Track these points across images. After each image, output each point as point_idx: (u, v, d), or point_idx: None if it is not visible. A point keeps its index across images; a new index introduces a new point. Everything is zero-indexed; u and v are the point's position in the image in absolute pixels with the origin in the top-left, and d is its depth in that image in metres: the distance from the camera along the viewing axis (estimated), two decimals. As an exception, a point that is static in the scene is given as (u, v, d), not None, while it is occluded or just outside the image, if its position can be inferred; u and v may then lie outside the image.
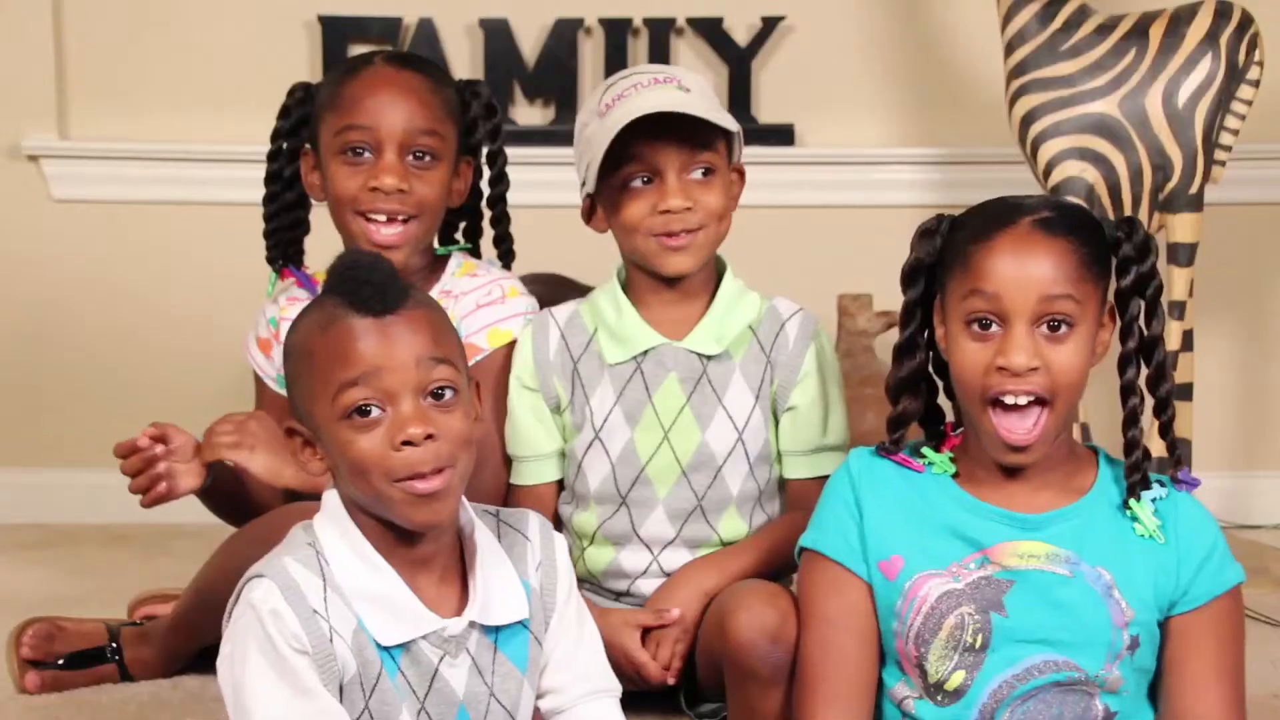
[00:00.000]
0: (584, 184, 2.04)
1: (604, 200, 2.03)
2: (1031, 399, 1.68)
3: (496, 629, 1.64)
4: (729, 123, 1.99)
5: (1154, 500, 1.75)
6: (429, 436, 1.55)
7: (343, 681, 1.59)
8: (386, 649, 1.59)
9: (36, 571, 2.70)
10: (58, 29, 3.25)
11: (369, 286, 1.58)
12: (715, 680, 1.94)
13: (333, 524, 1.62)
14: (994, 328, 1.68)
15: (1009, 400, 1.68)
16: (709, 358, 2.03)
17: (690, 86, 1.99)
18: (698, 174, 1.99)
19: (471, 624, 1.62)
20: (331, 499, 1.63)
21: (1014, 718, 1.72)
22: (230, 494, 2.16)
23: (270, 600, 1.57)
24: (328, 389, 1.56)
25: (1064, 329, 1.68)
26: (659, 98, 1.96)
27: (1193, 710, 1.73)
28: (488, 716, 1.65)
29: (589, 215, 2.06)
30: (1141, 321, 1.75)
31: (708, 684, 1.99)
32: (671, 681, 1.99)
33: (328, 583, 1.59)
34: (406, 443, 1.55)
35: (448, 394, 1.58)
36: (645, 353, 2.03)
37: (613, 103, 1.98)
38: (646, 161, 1.97)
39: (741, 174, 2.07)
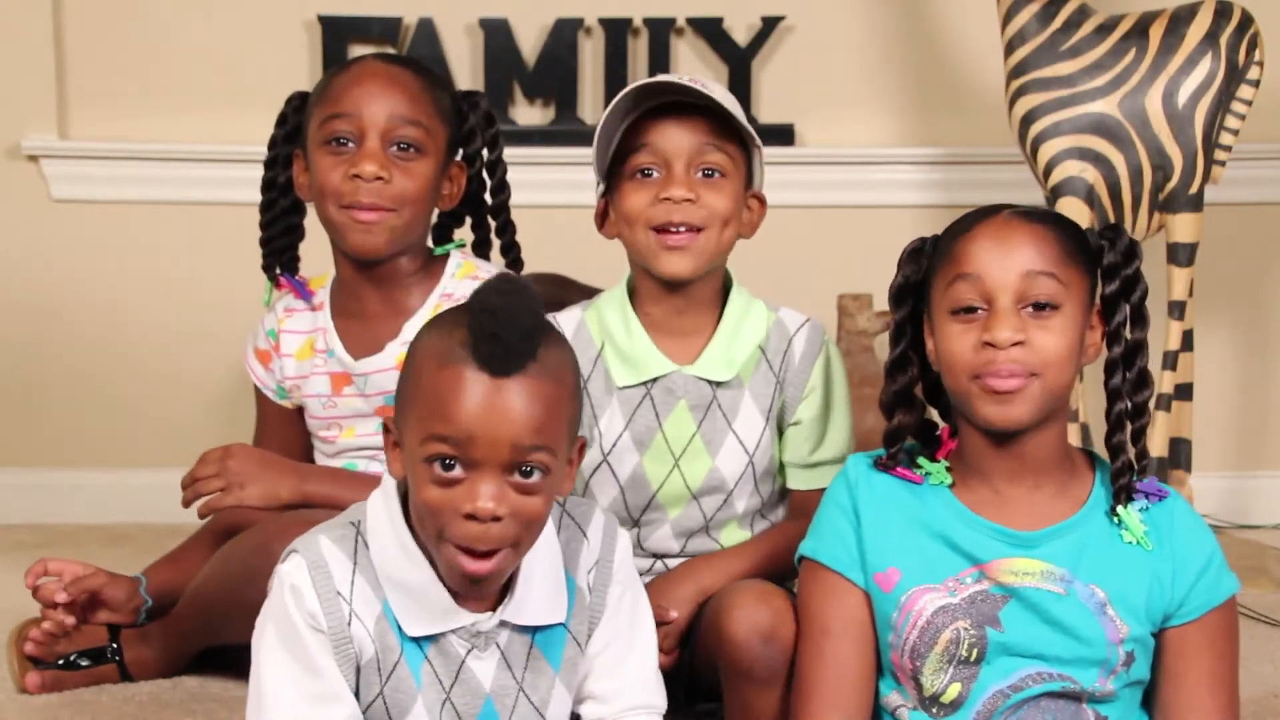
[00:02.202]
0: (599, 184, 2.02)
1: (612, 194, 2.00)
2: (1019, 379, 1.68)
3: (534, 626, 1.64)
4: (742, 119, 1.97)
5: (1141, 510, 1.75)
6: (496, 519, 1.52)
7: (360, 664, 1.60)
8: (414, 639, 1.60)
9: (36, 571, 2.69)
10: (58, 29, 3.25)
11: (497, 342, 1.52)
12: (714, 678, 1.94)
13: (385, 507, 1.62)
14: (979, 312, 1.69)
15: (997, 384, 1.68)
16: (718, 384, 2.02)
17: (713, 92, 1.98)
18: (707, 174, 1.97)
19: (504, 620, 1.62)
20: (391, 480, 1.63)
21: None
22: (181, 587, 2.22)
23: (295, 576, 1.59)
24: (421, 427, 1.54)
25: (1048, 310, 1.68)
26: (678, 85, 1.95)
27: None
28: (515, 711, 1.65)
29: (602, 219, 2.04)
30: (1127, 327, 1.75)
31: (706, 682, 1.99)
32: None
33: (358, 565, 1.60)
34: (470, 515, 1.52)
35: (535, 475, 1.54)
36: (655, 379, 2.01)
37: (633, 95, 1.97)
38: (655, 150, 1.95)
39: (762, 201, 2.04)
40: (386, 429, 1.62)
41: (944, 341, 1.72)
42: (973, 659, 1.72)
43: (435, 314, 2.13)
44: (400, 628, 1.60)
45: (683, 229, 1.95)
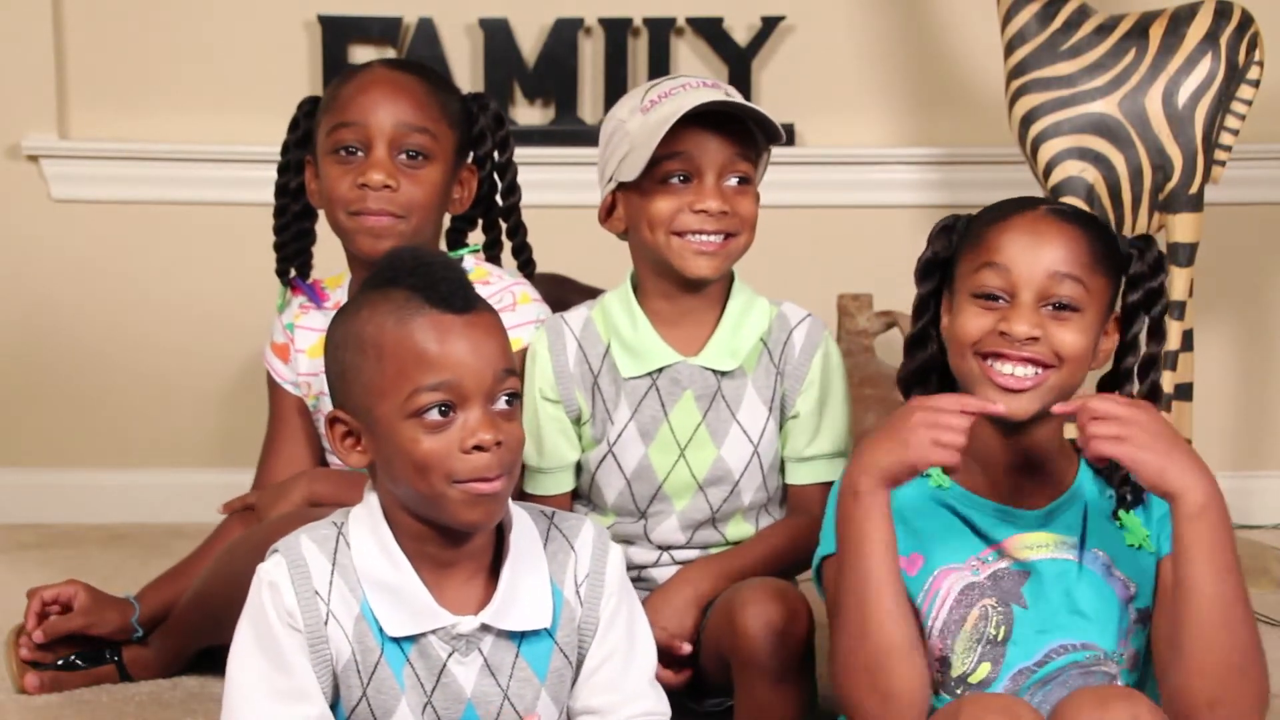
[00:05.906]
0: (610, 180, 2.01)
1: (631, 196, 2.00)
2: (1030, 369, 1.70)
3: (520, 633, 1.64)
4: (778, 124, 1.98)
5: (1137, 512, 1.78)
6: (498, 443, 1.56)
7: (337, 668, 1.60)
8: (395, 640, 1.60)
9: (36, 571, 2.70)
10: (58, 29, 3.25)
11: (448, 283, 1.58)
12: (721, 675, 1.94)
13: (367, 512, 1.63)
14: (1001, 302, 1.71)
15: (1006, 369, 1.70)
16: (723, 374, 2.02)
17: (736, 96, 1.98)
18: (734, 182, 1.97)
19: (486, 625, 1.62)
20: (371, 494, 1.64)
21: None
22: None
23: (274, 574, 1.59)
24: (400, 386, 1.56)
25: (1068, 311, 1.70)
26: (713, 96, 1.95)
27: None
28: (499, 718, 1.64)
29: (607, 214, 2.04)
30: (1144, 339, 1.78)
31: (713, 679, 1.99)
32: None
33: (337, 565, 1.60)
34: (477, 447, 1.56)
35: (515, 403, 1.60)
36: (660, 370, 2.02)
37: (659, 99, 1.96)
38: (689, 159, 1.95)
39: (756, 197, 2.05)
40: (335, 422, 1.61)
41: (959, 317, 1.74)
42: (1000, 638, 1.73)
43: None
44: (381, 629, 1.60)
45: (716, 237, 1.96)
